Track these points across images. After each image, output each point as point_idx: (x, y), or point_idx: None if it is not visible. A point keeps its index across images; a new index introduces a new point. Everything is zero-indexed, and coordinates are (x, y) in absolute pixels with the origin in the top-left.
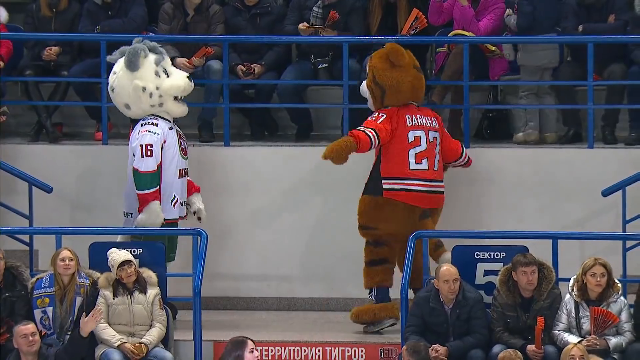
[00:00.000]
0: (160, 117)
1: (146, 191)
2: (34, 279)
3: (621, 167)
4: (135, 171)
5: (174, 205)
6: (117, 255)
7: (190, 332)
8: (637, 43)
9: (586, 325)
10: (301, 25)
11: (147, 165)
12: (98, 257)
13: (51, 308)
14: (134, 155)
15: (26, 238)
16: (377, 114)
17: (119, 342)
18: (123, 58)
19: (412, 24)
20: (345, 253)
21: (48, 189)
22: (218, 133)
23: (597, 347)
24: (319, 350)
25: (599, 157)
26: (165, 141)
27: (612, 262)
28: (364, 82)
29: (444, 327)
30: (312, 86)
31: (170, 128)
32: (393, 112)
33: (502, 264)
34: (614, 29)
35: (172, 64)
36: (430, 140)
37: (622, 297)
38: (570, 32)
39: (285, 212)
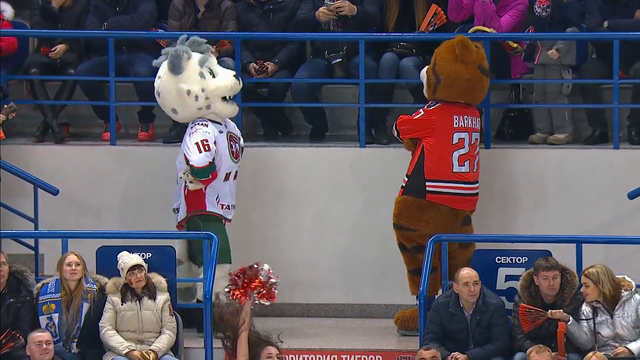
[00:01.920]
0: (209, 120)
1: (208, 178)
2: (39, 284)
3: None
4: (195, 169)
5: (217, 202)
6: (127, 259)
7: (200, 339)
8: None
9: (603, 330)
10: (319, 11)
11: (202, 160)
12: (106, 262)
13: (57, 314)
14: (186, 159)
15: (31, 242)
16: (417, 111)
17: (127, 350)
18: (166, 61)
19: (430, 20)
20: (362, 258)
21: (54, 191)
22: None
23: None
24: (334, 359)
25: (625, 158)
26: (215, 143)
27: (638, 267)
28: (426, 67)
29: (463, 334)
30: (327, 84)
31: (221, 132)
32: (435, 112)
33: (524, 269)
34: None
35: None
36: (472, 142)
37: (637, 295)
38: (595, 29)
39: (300, 215)
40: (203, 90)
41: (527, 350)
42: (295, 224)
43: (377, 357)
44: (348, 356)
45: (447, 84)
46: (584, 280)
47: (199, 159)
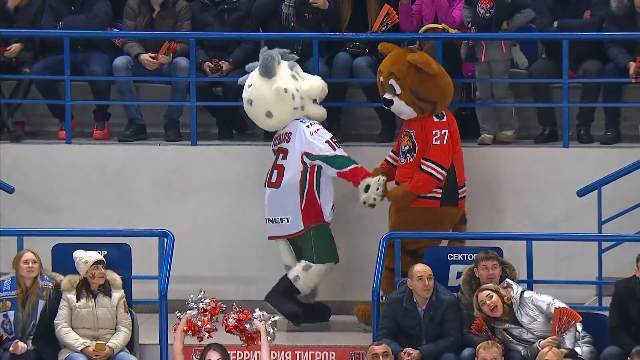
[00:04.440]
0: None
1: (351, 166)
2: None
3: (597, 167)
4: (330, 157)
5: (332, 209)
6: (91, 254)
7: (156, 336)
8: (613, 40)
9: (526, 337)
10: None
11: (342, 152)
12: (61, 259)
13: (13, 312)
14: (307, 157)
15: None
16: (439, 133)
17: (82, 347)
18: (256, 70)
19: (382, 20)
20: None
21: (10, 189)
22: (185, 132)
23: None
24: (288, 355)
25: (574, 156)
26: None
27: (587, 264)
28: (399, 103)
29: (416, 330)
30: None
31: None
32: (450, 120)
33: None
34: (589, 26)
35: (137, 60)
36: None
37: (525, 293)
38: (545, 29)
39: (254, 213)
40: (297, 90)
41: (477, 346)
42: (249, 221)
43: (330, 353)
44: (302, 352)
45: (443, 101)
46: (485, 296)
47: (339, 151)
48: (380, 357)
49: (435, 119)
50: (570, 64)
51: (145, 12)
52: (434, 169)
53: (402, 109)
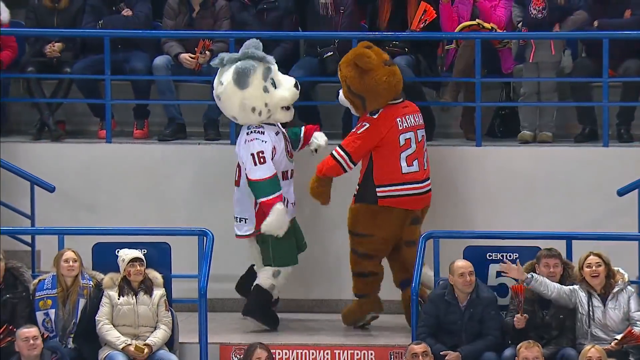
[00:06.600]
0: (266, 123)
1: (269, 197)
2: (36, 281)
3: (637, 166)
4: (251, 182)
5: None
6: (128, 251)
7: (196, 334)
8: None
9: (598, 314)
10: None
11: (263, 172)
12: (101, 258)
13: (54, 310)
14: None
15: (28, 238)
16: (360, 124)
17: (123, 345)
18: (230, 69)
19: (420, 17)
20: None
21: (50, 188)
22: (224, 131)
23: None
24: (327, 354)
25: (615, 155)
26: (275, 148)
27: (627, 264)
28: (341, 93)
29: (457, 325)
30: (321, 82)
31: (277, 133)
32: (380, 120)
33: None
34: (630, 25)
35: (177, 59)
36: (419, 140)
37: (629, 287)
38: (585, 28)
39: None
40: (266, 104)
41: (517, 346)
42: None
43: (369, 352)
44: (341, 352)
45: (372, 97)
46: (595, 259)
47: (255, 173)
48: (420, 357)
49: (369, 115)
50: (611, 63)
51: (185, 11)
52: (339, 154)
53: (342, 100)
